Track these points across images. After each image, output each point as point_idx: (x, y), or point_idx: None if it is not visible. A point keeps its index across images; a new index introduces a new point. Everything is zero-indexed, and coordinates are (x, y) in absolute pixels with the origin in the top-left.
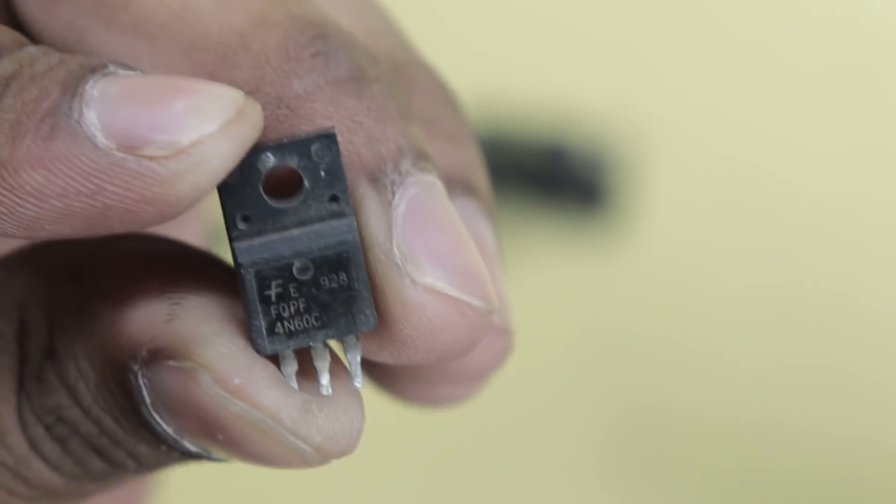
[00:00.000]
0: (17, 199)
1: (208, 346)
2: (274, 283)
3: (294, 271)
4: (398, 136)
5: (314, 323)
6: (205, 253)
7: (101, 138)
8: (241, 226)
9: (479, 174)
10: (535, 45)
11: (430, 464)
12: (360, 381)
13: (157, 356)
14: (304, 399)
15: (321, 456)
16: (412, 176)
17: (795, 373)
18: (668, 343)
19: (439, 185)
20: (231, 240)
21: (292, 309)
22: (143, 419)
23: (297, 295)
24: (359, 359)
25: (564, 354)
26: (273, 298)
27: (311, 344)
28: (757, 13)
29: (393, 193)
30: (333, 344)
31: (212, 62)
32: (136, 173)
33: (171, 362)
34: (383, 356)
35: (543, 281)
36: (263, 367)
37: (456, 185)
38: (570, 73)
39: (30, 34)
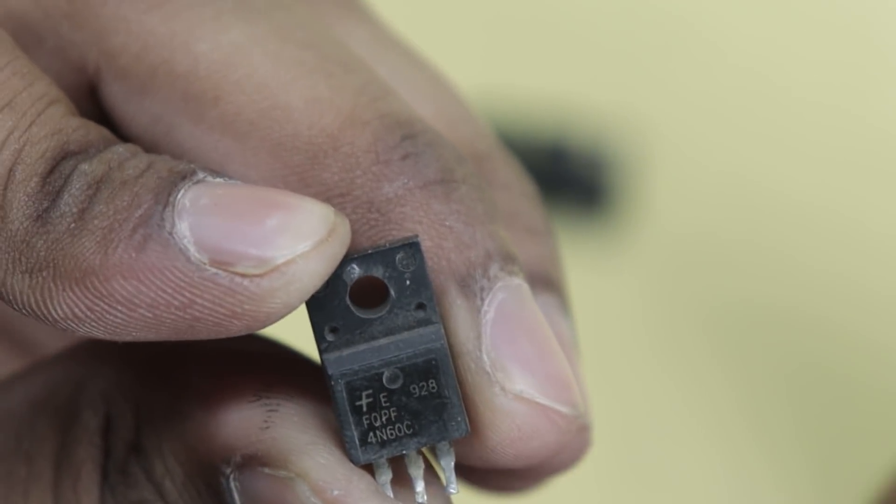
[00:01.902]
0: (106, 307)
1: (306, 456)
2: (364, 394)
3: (384, 381)
4: (486, 240)
5: (406, 431)
6: (294, 352)
7: (193, 251)
8: (330, 337)
9: (558, 268)
10: (535, 45)
11: None
12: (454, 487)
13: (252, 462)
14: None
15: None
16: (500, 280)
17: (795, 373)
18: (667, 342)
19: (526, 289)
20: (320, 352)
21: (384, 418)
22: None
23: (387, 404)
24: (452, 465)
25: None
26: (364, 408)
27: (405, 452)
28: (757, 13)
29: (482, 300)
30: (426, 450)
31: (301, 163)
32: (227, 290)
33: (267, 470)
34: (473, 460)
35: None
36: (360, 479)
37: (536, 280)
38: (570, 73)
39: (116, 125)
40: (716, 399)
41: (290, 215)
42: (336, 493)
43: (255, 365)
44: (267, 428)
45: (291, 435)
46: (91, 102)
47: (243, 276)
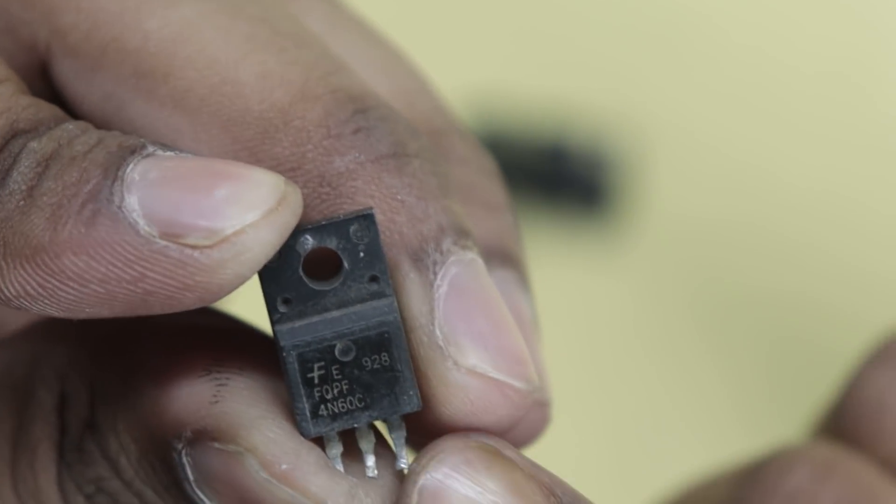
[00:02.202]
0: (57, 283)
1: (255, 430)
2: (316, 366)
3: (336, 353)
4: (439, 214)
5: (358, 404)
6: (246, 325)
7: (143, 224)
8: (282, 308)
9: (516, 243)
10: (535, 45)
11: None
12: (405, 461)
13: (202, 437)
14: (350, 484)
15: None
16: (454, 255)
17: (797, 372)
18: (667, 342)
19: (480, 263)
20: (272, 323)
21: (335, 391)
22: (185, 494)
23: (339, 377)
24: (404, 439)
25: (564, 354)
26: (316, 381)
27: (356, 425)
28: (756, 13)
29: (435, 273)
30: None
31: (252, 138)
32: (178, 262)
33: (217, 444)
34: (426, 435)
35: (543, 281)
36: (310, 452)
37: (493, 255)
38: (570, 73)
39: (67, 103)
40: (715, 398)
41: (239, 185)
42: (285, 467)
43: (206, 339)
44: (216, 402)
45: (240, 409)
46: (42, 81)
47: (193, 247)
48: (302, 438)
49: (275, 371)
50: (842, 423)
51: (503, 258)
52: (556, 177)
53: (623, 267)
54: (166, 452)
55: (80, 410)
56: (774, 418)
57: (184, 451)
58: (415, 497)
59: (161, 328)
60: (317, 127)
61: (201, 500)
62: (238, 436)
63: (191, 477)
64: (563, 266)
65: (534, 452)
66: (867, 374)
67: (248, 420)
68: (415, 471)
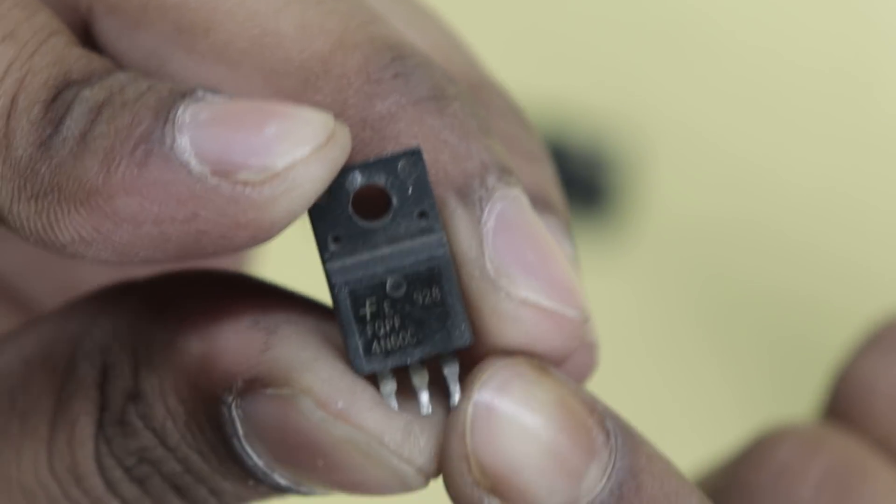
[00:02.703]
0: (112, 226)
1: (308, 371)
2: (368, 302)
3: (387, 288)
4: (482, 152)
5: (410, 340)
6: (285, 288)
7: (194, 164)
8: (333, 247)
9: (556, 191)
10: (534, 45)
11: None
12: (458, 397)
13: (254, 385)
14: (406, 420)
15: (422, 477)
16: (499, 190)
17: (798, 371)
18: (667, 342)
19: (524, 198)
20: (323, 261)
21: (387, 327)
22: (233, 453)
23: (391, 312)
24: (457, 374)
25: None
26: (368, 317)
27: (409, 361)
28: (756, 13)
29: (482, 209)
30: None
31: (294, 87)
32: (230, 199)
33: (270, 390)
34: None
35: None
36: (365, 390)
37: (536, 201)
38: (570, 73)
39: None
40: (717, 397)
41: (289, 122)
42: (341, 404)
43: (250, 293)
44: (267, 350)
45: (292, 353)
46: (85, 41)
47: (245, 184)
48: (356, 377)
49: (322, 318)
50: (835, 406)
51: (546, 205)
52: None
53: (623, 267)
54: (215, 409)
55: (122, 382)
56: (777, 416)
57: (234, 404)
58: (468, 418)
59: (203, 283)
60: (357, 73)
61: (249, 455)
62: (291, 378)
63: (240, 431)
64: None
65: None
66: (860, 358)
67: (301, 363)
68: (466, 394)
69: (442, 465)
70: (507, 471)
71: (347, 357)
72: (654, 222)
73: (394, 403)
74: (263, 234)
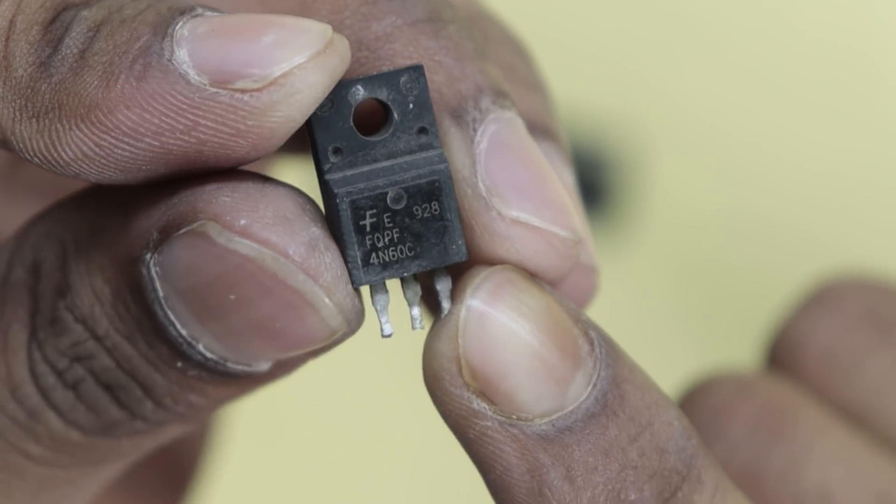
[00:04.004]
0: (113, 141)
1: (211, 200)
2: (369, 213)
3: (388, 201)
4: (476, 75)
5: (408, 253)
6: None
7: (193, 74)
8: (333, 158)
9: (555, 120)
10: (534, 45)
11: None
12: (448, 303)
13: (167, 231)
14: (311, 235)
15: (336, 307)
16: (492, 112)
17: None
18: (667, 342)
19: (519, 121)
20: (323, 172)
21: (386, 239)
22: (158, 325)
23: (390, 224)
24: (449, 289)
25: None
26: (368, 228)
27: (405, 274)
28: (757, 13)
29: (475, 130)
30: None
31: (291, 9)
32: (229, 107)
33: (182, 230)
34: None
35: None
36: (267, 207)
37: (534, 129)
38: (570, 73)
39: None
40: None
41: (286, 31)
42: (243, 222)
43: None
44: (175, 198)
45: (196, 192)
46: None
47: (243, 91)
48: (261, 197)
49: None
50: (772, 358)
51: (545, 132)
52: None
53: (623, 267)
54: (137, 273)
55: (51, 277)
56: None
57: (151, 262)
58: (461, 322)
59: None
60: None
61: (172, 322)
62: (197, 211)
63: (160, 292)
64: None
65: None
66: (797, 315)
67: (205, 196)
68: (458, 298)
69: (430, 368)
70: (497, 375)
71: (346, 268)
72: (656, 222)
73: (387, 316)
74: (263, 142)
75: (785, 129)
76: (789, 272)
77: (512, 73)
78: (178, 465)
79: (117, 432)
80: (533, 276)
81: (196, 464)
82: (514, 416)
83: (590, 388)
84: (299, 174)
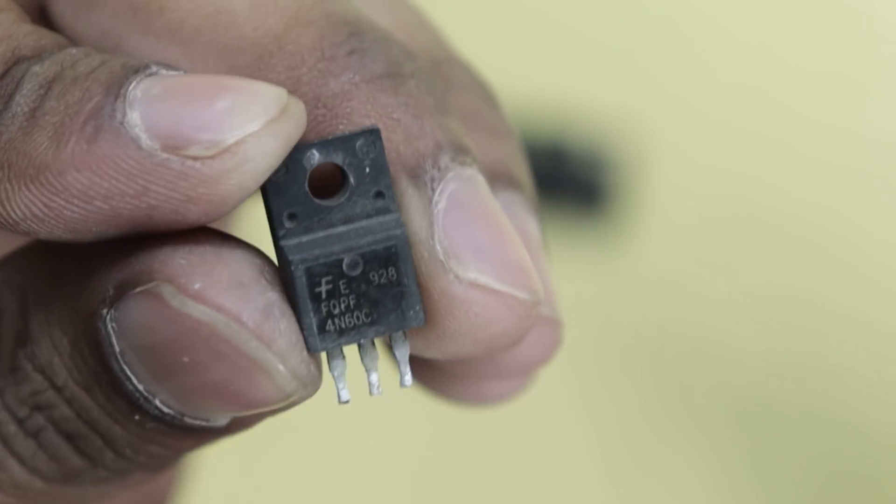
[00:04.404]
0: (62, 202)
1: (168, 261)
2: (324, 280)
3: (344, 267)
4: (436, 131)
5: (364, 319)
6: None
7: (145, 139)
8: (288, 224)
9: (521, 167)
10: (535, 46)
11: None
12: (409, 379)
13: (123, 288)
14: (267, 301)
15: (290, 373)
16: (451, 171)
17: (796, 373)
18: (667, 343)
19: (479, 178)
20: (278, 238)
21: (342, 305)
22: (115, 379)
23: (347, 291)
24: (407, 356)
25: (562, 354)
26: (323, 295)
27: (362, 341)
28: (756, 16)
29: (433, 190)
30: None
31: (248, 64)
32: (180, 174)
33: (138, 288)
34: (431, 352)
35: None
36: (223, 271)
37: (498, 178)
38: (570, 73)
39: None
40: (712, 400)
41: (240, 96)
42: (198, 286)
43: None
44: (133, 257)
45: (153, 253)
46: (41, 22)
47: (195, 158)
48: (217, 260)
49: (186, 238)
50: None
51: (509, 181)
52: (556, 177)
53: (623, 267)
54: (94, 327)
55: (11, 325)
56: (779, 408)
57: (108, 317)
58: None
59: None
60: (311, 50)
61: (129, 377)
62: (153, 271)
63: (116, 348)
64: (562, 266)
65: (531, 450)
66: None
67: (161, 257)
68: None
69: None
70: None
71: (302, 335)
72: (655, 223)
73: (343, 383)
74: (215, 209)
75: (785, 129)
76: (790, 271)
77: (476, 120)
78: (148, 500)
79: (81, 480)
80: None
81: (168, 496)
82: None
83: None
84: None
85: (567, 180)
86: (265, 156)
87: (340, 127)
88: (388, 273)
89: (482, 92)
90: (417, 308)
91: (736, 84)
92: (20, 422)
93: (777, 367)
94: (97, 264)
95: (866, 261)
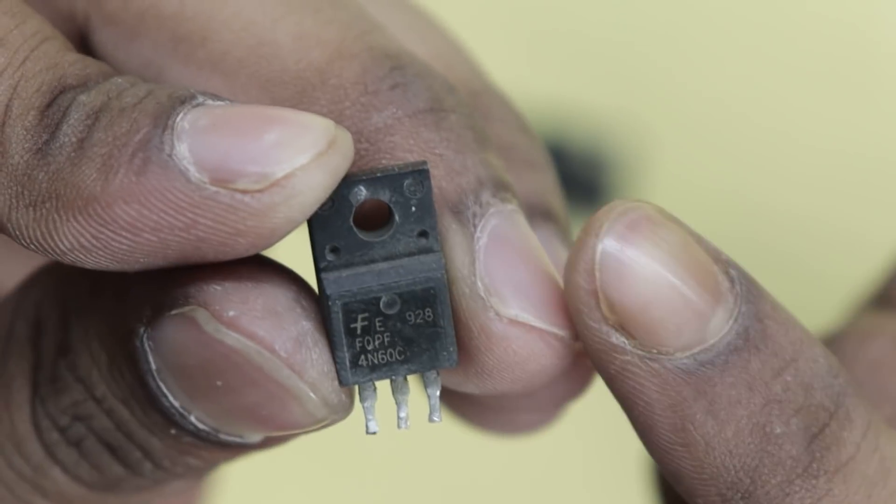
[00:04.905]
0: (110, 234)
1: (204, 286)
2: (360, 317)
3: (381, 305)
4: (478, 167)
5: (397, 357)
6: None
7: (193, 171)
8: (330, 257)
9: (557, 199)
10: (535, 46)
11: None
12: (438, 415)
13: (160, 310)
14: (299, 330)
15: (321, 401)
16: (493, 207)
17: None
18: None
19: (520, 214)
20: (319, 271)
21: (377, 342)
22: (151, 394)
23: (382, 329)
24: (438, 394)
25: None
26: (359, 331)
27: (393, 378)
28: (757, 12)
29: (475, 226)
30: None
31: (291, 97)
32: (229, 207)
33: (174, 311)
34: (469, 387)
35: None
36: (257, 299)
37: (535, 211)
38: (569, 74)
39: None
40: None
41: (289, 129)
42: (232, 313)
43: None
44: (171, 279)
45: (191, 276)
46: (83, 52)
47: (244, 192)
48: (252, 288)
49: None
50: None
51: (545, 214)
52: (556, 177)
53: None
54: (131, 345)
55: (53, 335)
56: None
57: (145, 336)
58: (598, 256)
59: None
60: (354, 84)
61: (165, 394)
62: (189, 296)
63: (153, 365)
64: None
65: (534, 450)
66: None
67: (197, 282)
68: (593, 231)
69: (569, 303)
70: (636, 307)
71: (335, 368)
72: None
73: (373, 416)
74: (263, 241)
75: (787, 128)
76: (790, 271)
77: (512, 153)
78: None
79: (122, 488)
80: (664, 210)
81: None
82: (655, 350)
83: (731, 322)
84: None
85: (567, 180)
86: (313, 189)
87: (383, 161)
88: (424, 314)
89: (519, 124)
90: (451, 349)
91: (736, 84)
92: (62, 430)
93: None
94: (137, 282)
95: (866, 261)
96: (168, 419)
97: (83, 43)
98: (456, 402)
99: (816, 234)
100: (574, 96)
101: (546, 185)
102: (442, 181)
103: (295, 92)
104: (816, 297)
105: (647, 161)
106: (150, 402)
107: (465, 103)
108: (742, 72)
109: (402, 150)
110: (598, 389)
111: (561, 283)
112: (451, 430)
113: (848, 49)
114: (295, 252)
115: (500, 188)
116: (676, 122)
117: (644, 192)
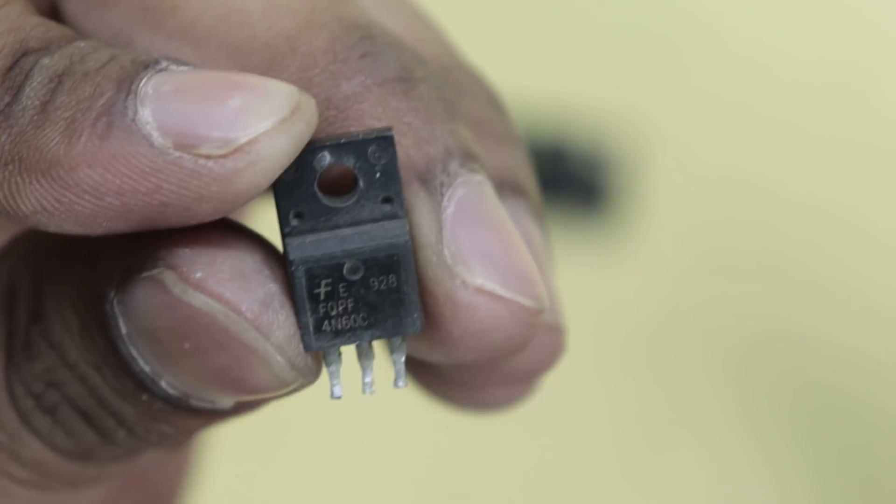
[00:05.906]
0: (73, 197)
1: (172, 248)
2: (324, 282)
3: (344, 271)
4: (446, 137)
5: (361, 323)
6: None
7: (156, 136)
8: (294, 223)
9: (527, 175)
10: (535, 45)
11: (430, 467)
12: (403, 381)
13: (129, 273)
14: (266, 293)
15: (287, 364)
16: (461, 176)
17: (794, 373)
18: (667, 343)
19: (488, 185)
20: (283, 236)
21: (340, 308)
22: (122, 360)
23: (345, 294)
24: (403, 360)
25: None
26: (322, 296)
27: (357, 343)
28: (757, 14)
29: (442, 195)
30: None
31: (260, 65)
32: (192, 172)
33: (143, 273)
34: (435, 356)
35: None
36: (224, 261)
37: (505, 186)
38: (570, 73)
39: None
40: (715, 399)
41: (253, 94)
42: (199, 275)
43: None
44: (140, 242)
45: (159, 239)
46: (51, 19)
47: (207, 157)
48: (220, 250)
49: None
50: None
51: (515, 189)
52: (556, 177)
53: (623, 267)
54: (101, 309)
55: (27, 302)
56: (780, 410)
57: (115, 300)
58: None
59: None
60: (323, 52)
61: (135, 358)
62: (157, 258)
63: (123, 329)
64: (562, 266)
65: (535, 450)
66: None
67: (167, 244)
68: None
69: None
70: None
71: (299, 333)
72: (654, 222)
73: (338, 381)
74: (226, 206)
75: (786, 128)
76: (790, 270)
77: (483, 127)
78: (158, 491)
79: (96, 457)
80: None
81: (177, 489)
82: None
83: None
84: None
85: (567, 180)
86: (277, 155)
87: (351, 129)
88: (388, 280)
89: (490, 99)
90: (415, 316)
91: (736, 84)
92: (36, 397)
93: (778, 364)
94: (107, 247)
95: (870, 255)
96: (139, 385)
97: (53, 13)
98: (427, 378)
99: (816, 233)
100: (574, 96)
101: (516, 161)
102: (410, 150)
103: (264, 60)
104: (816, 296)
105: (647, 161)
106: (121, 367)
107: (436, 75)
108: (742, 72)
109: (371, 117)
110: (599, 389)
111: (529, 254)
112: (445, 426)
113: (848, 49)
114: (265, 217)
115: (469, 158)
116: (676, 122)
117: (644, 192)
